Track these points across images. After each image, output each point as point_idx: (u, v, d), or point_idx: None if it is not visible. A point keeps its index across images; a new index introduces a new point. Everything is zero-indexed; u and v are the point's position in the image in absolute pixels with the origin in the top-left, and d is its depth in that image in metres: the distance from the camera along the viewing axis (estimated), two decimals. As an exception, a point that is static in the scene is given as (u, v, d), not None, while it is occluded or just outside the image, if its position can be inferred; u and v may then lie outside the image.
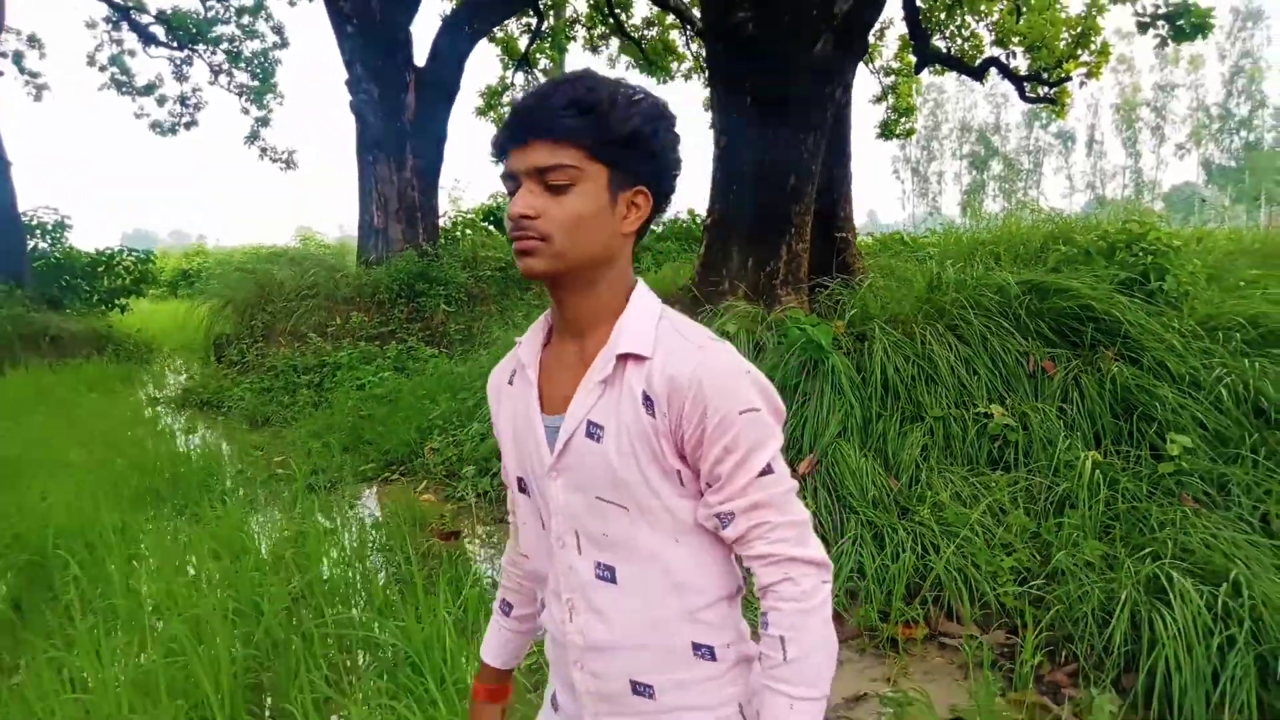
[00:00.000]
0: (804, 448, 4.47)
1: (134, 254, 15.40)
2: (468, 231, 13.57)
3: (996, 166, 71.77)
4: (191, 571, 3.79)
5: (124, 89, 20.22)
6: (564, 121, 1.12)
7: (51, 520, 4.20)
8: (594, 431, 1.17)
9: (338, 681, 2.89)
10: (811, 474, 4.30)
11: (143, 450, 6.24)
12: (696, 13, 13.14)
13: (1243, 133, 62.07)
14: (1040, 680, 3.03)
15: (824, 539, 3.90)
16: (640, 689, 1.20)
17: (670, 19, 17.12)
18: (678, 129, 1.21)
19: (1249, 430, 3.90)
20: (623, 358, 1.16)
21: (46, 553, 4.03)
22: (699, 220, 13.68)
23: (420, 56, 12.39)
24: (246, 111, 19.99)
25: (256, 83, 20.18)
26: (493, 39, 17.50)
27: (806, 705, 1.12)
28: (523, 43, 20.06)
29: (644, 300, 1.22)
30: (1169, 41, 10.83)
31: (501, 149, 1.18)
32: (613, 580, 1.21)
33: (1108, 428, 4.18)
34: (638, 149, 1.15)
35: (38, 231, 14.09)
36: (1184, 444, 3.81)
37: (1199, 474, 3.71)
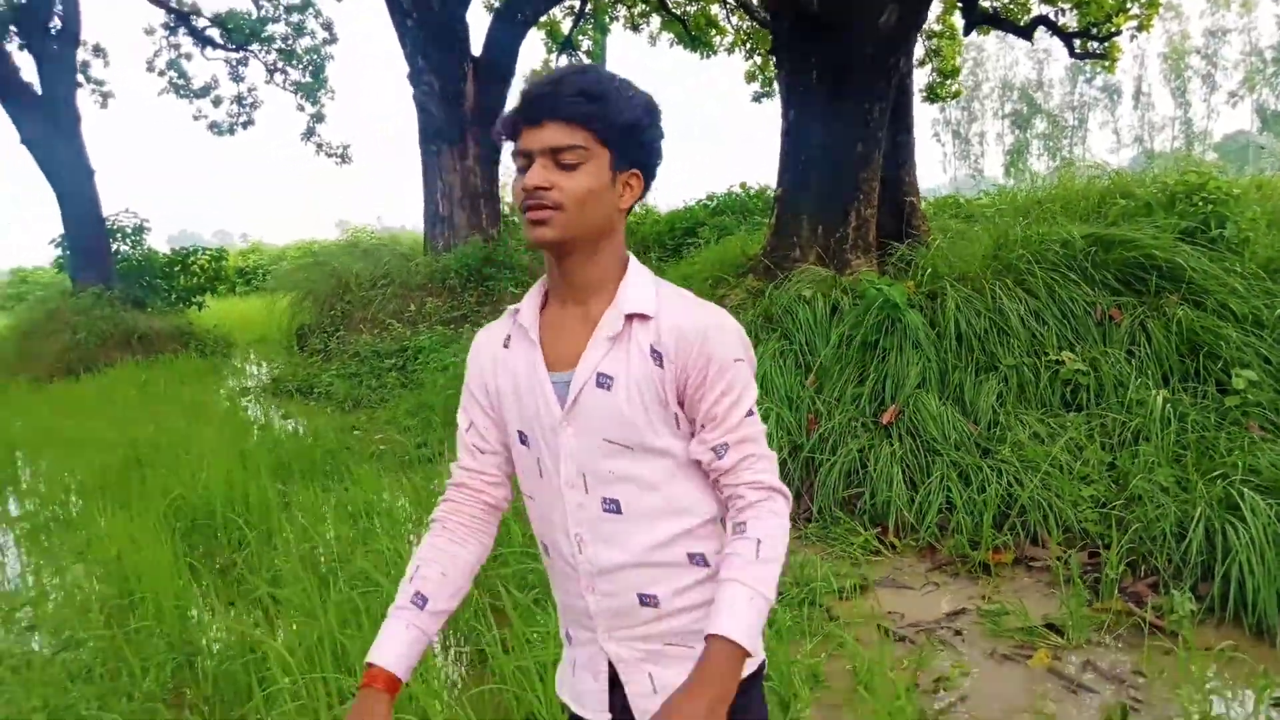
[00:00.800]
0: (886, 399, 4.81)
1: (208, 253, 16.10)
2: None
3: (1040, 124, 70.32)
4: (332, 532, 4.26)
5: (182, 92, 20.94)
6: (576, 106, 1.25)
7: (214, 490, 4.70)
8: (604, 382, 1.31)
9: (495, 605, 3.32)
10: (894, 422, 4.65)
11: (266, 431, 6.77)
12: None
13: (1299, 75, 60.09)
14: (1123, 591, 3.36)
15: (910, 481, 4.28)
16: (646, 600, 1.36)
17: (712, -7, 17.24)
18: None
19: (1312, 364, 4.16)
20: (630, 317, 1.31)
21: (214, 517, 4.54)
22: (749, 191, 13.95)
23: (475, 46, 12.80)
24: (302, 108, 20.60)
25: (309, 79, 20.74)
26: (538, 24, 17.82)
27: (761, 603, 1.26)
28: (565, 25, 20.41)
29: (640, 269, 1.37)
30: None
31: (514, 129, 1.30)
32: (618, 512, 1.35)
33: (1175, 368, 4.46)
34: (634, 137, 1.30)
35: (118, 235, 14.79)
36: (1249, 378, 4.09)
37: (1263, 405, 3.99)
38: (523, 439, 1.40)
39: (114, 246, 14.88)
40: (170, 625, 3.33)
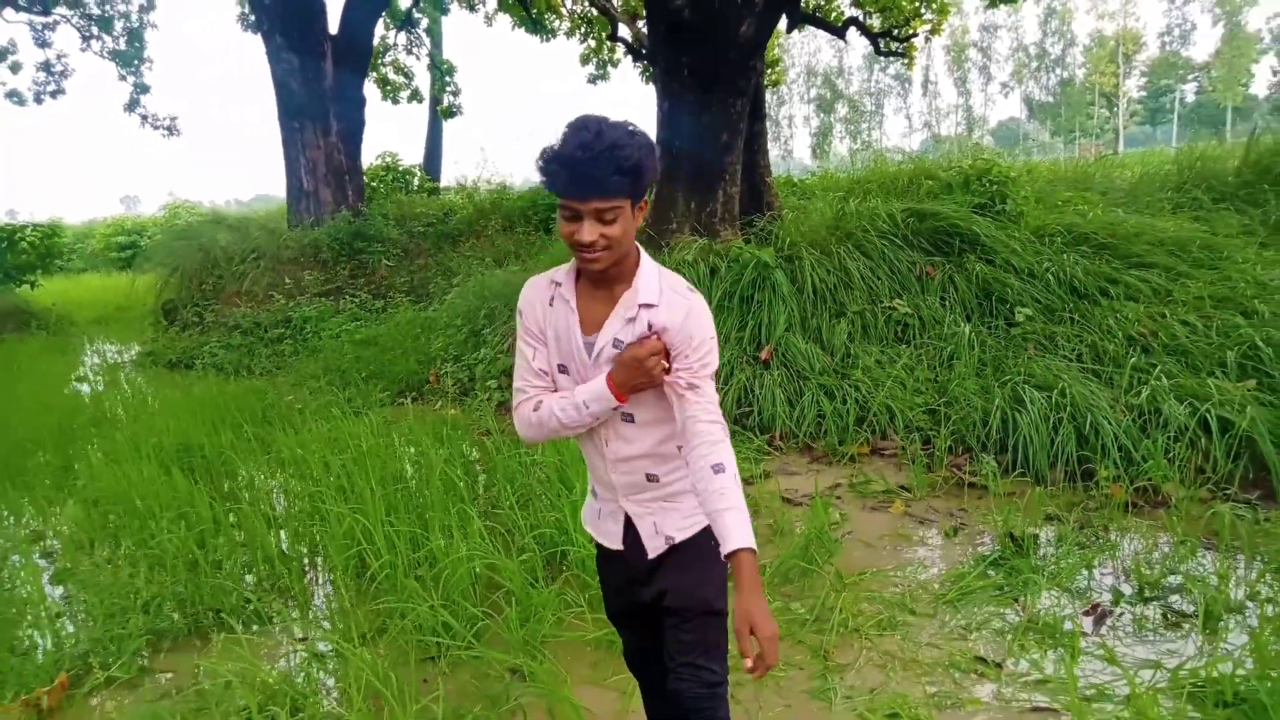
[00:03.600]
0: (761, 340, 5.99)
1: (38, 229, 15.34)
2: (407, 193, 14.32)
3: (842, 109, 75.28)
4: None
5: (-31, 59, 19.42)
6: (614, 184, 1.64)
7: (192, 437, 5.25)
8: (618, 345, 1.81)
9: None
10: (770, 359, 5.83)
11: (183, 392, 7.15)
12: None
13: (1058, 70, 67.61)
14: (949, 464, 4.66)
15: (788, 400, 5.46)
16: (651, 477, 1.91)
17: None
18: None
19: (1068, 302, 5.67)
20: (642, 306, 1.80)
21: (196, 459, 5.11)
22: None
23: (331, 26, 13.02)
24: (124, 78, 19.64)
25: (127, 48, 19.74)
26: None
27: (748, 515, 1.73)
28: (404, 2, 20.58)
29: (648, 263, 1.83)
30: (995, 4, 12.88)
31: (564, 193, 1.68)
32: (633, 420, 1.87)
33: (974, 309, 5.89)
34: (647, 180, 1.71)
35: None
36: (1026, 314, 5.55)
37: (1037, 332, 5.45)
38: (563, 369, 1.90)
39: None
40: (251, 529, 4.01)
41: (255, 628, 3.45)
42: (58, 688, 3.05)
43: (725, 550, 1.68)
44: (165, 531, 3.98)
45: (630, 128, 1.67)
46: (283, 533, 4.18)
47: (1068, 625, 3.04)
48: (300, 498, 4.47)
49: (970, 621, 3.16)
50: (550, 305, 1.88)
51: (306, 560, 4.03)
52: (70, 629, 3.53)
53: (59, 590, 3.91)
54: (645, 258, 1.84)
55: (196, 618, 3.52)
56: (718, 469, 1.73)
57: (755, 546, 1.69)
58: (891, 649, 3.01)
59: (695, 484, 1.76)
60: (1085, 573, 3.46)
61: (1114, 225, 6.38)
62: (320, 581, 3.80)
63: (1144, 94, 67.36)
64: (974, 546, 3.81)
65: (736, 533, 1.67)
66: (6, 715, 2.83)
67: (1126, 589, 3.32)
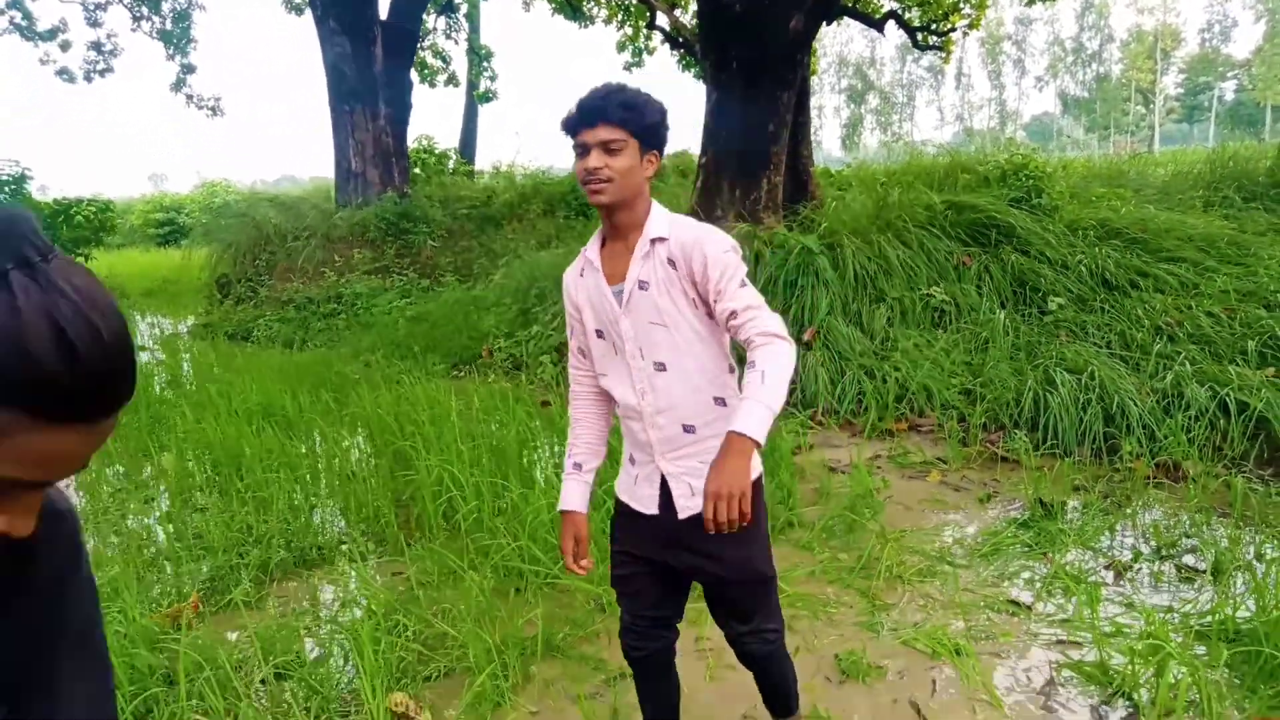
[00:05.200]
0: (804, 323, 6.33)
1: (92, 204, 15.89)
2: (443, 175, 14.75)
3: (873, 100, 74.99)
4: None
5: (26, 34, 19.96)
6: (619, 113, 1.82)
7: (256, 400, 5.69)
8: (643, 285, 1.89)
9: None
10: (812, 340, 6.17)
11: (254, 360, 7.60)
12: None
13: (1094, 65, 66.98)
14: (983, 439, 4.99)
15: (831, 380, 5.80)
16: (687, 429, 1.94)
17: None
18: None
19: (1099, 293, 5.97)
20: (653, 241, 1.89)
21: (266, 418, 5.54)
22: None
23: (380, 11, 13.42)
24: (171, 58, 20.16)
25: (174, 28, 20.22)
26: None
27: (765, 412, 1.69)
28: (447, -12, 20.93)
29: (658, 209, 1.95)
30: (1034, 1, 13.04)
31: (574, 129, 1.86)
32: (664, 370, 1.91)
33: (1009, 297, 6.20)
34: (654, 132, 1.88)
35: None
36: (1059, 303, 5.86)
37: (1069, 320, 5.75)
38: (599, 334, 2.01)
39: (-7, 196, 14.52)
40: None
41: (354, 563, 3.86)
42: (191, 606, 3.46)
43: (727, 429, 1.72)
44: (265, 478, 4.40)
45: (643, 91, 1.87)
46: (370, 481, 4.59)
47: (1091, 577, 3.38)
48: (382, 454, 4.87)
49: (1002, 572, 3.50)
50: (581, 276, 2.03)
51: (397, 508, 4.44)
52: (190, 563, 3.96)
53: (169, 528, 4.34)
54: (656, 205, 1.96)
55: (302, 552, 3.93)
56: (750, 365, 1.76)
57: (754, 437, 1.67)
58: (931, 593, 3.37)
59: None
60: (1108, 534, 3.79)
61: (1145, 221, 6.66)
62: (411, 525, 4.20)
63: (1182, 91, 66.64)
64: (1006, 511, 4.14)
65: (739, 418, 1.69)
66: (154, 621, 3.24)
67: (1145, 548, 3.65)
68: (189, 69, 20.32)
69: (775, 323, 1.80)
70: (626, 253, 1.94)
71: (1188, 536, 3.71)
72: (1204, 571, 3.40)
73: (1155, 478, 4.32)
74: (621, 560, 2.13)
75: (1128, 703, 2.64)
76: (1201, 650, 2.84)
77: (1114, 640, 2.91)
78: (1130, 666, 2.72)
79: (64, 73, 20.62)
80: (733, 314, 1.81)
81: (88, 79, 20.77)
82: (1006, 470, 4.65)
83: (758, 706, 2.52)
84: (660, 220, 1.93)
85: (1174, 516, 3.95)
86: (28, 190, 15.02)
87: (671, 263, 1.88)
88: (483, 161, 21.85)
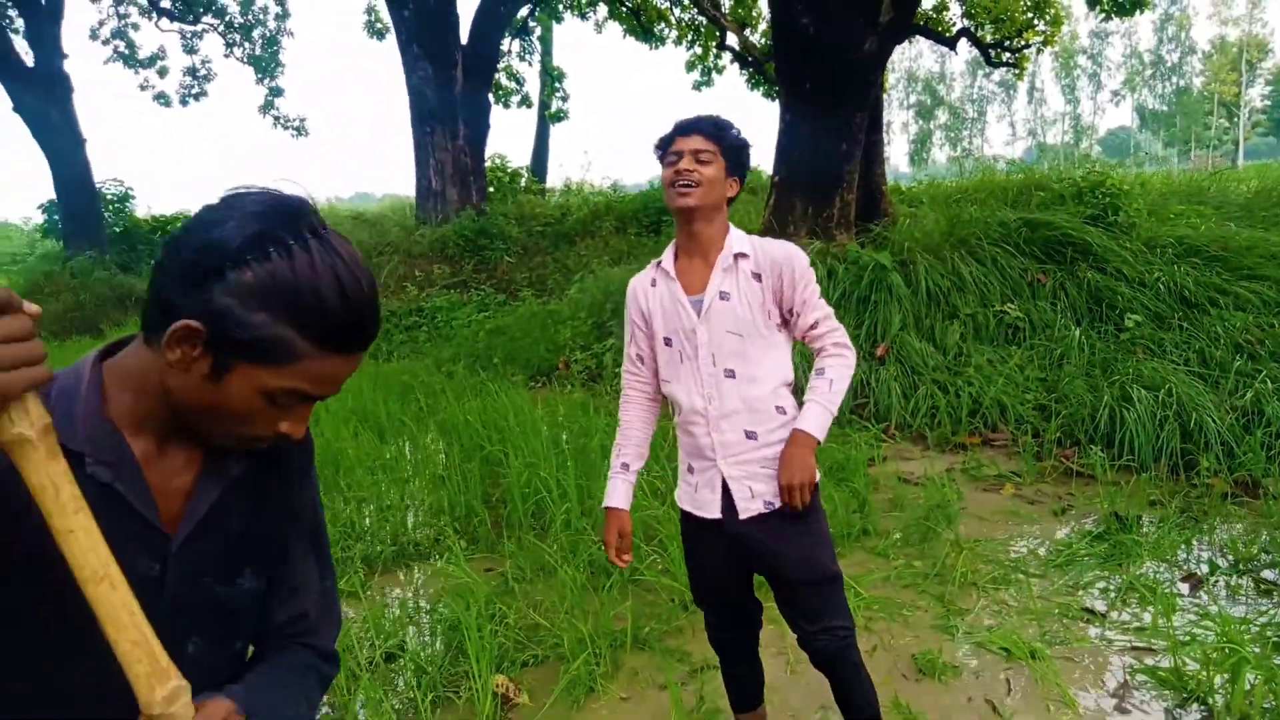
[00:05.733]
0: (877, 338, 6.43)
1: (189, 219, 16.73)
2: (516, 194, 15.21)
3: (942, 116, 73.99)
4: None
5: (129, 62, 21.07)
6: (711, 129, 2.06)
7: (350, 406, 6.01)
8: (724, 295, 2.05)
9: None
10: (885, 355, 6.27)
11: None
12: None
13: (1173, 78, 65.10)
14: (1058, 455, 5.04)
15: (904, 394, 5.89)
16: (750, 434, 2.07)
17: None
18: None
19: (1177, 311, 5.95)
20: (736, 256, 2.06)
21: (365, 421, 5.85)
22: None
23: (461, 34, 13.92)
24: (260, 81, 21.10)
25: (264, 53, 21.15)
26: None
27: (827, 416, 2.05)
28: (521, 11, 21.50)
29: (736, 229, 2.13)
30: (1111, 15, 12.91)
31: (669, 140, 2.08)
32: (733, 376, 2.06)
33: (1084, 314, 6.21)
34: (737, 156, 2.09)
35: (106, 202, 15.36)
36: (1136, 320, 5.86)
37: (1145, 337, 5.75)
38: (667, 342, 2.15)
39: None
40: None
41: (454, 557, 4.11)
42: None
43: (794, 426, 2.05)
44: (364, 479, 4.70)
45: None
46: (461, 483, 4.84)
47: (1166, 588, 3.44)
48: (471, 457, 5.13)
49: (1077, 582, 3.58)
50: (652, 286, 2.18)
51: (487, 508, 4.69)
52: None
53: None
54: (735, 229, 2.15)
55: (402, 547, 4.19)
56: (819, 372, 2.10)
57: (818, 436, 2.04)
58: (1006, 600, 3.47)
59: None
60: (1184, 548, 3.84)
61: (1226, 238, 6.59)
62: (502, 525, 4.44)
63: (1268, 104, 64.31)
64: (1080, 524, 4.20)
65: (806, 417, 2.05)
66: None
67: (1222, 562, 3.69)
68: (277, 92, 21.26)
69: (845, 334, 2.14)
70: (705, 266, 2.09)
71: (1266, 552, 3.73)
72: (1282, 586, 3.43)
73: (1233, 494, 4.33)
74: (696, 567, 2.30)
75: (1202, 707, 2.72)
76: (1279, 662, 2.89)
77: (1189, 648, 2.98)
78: (1205, 672, 2.80)
79: (161, 97, 21.72)
80: (814, 324, 2.10)
81: (183, 103, 21.83)
82: (1081, 485, 4.70)
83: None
84: (741, 238, 2.11)
85: (1252, 532, 3.97)
86: (130, 208, 15.93)
87: (757, 276, 2.05)
88: (553, 179, 22.28)
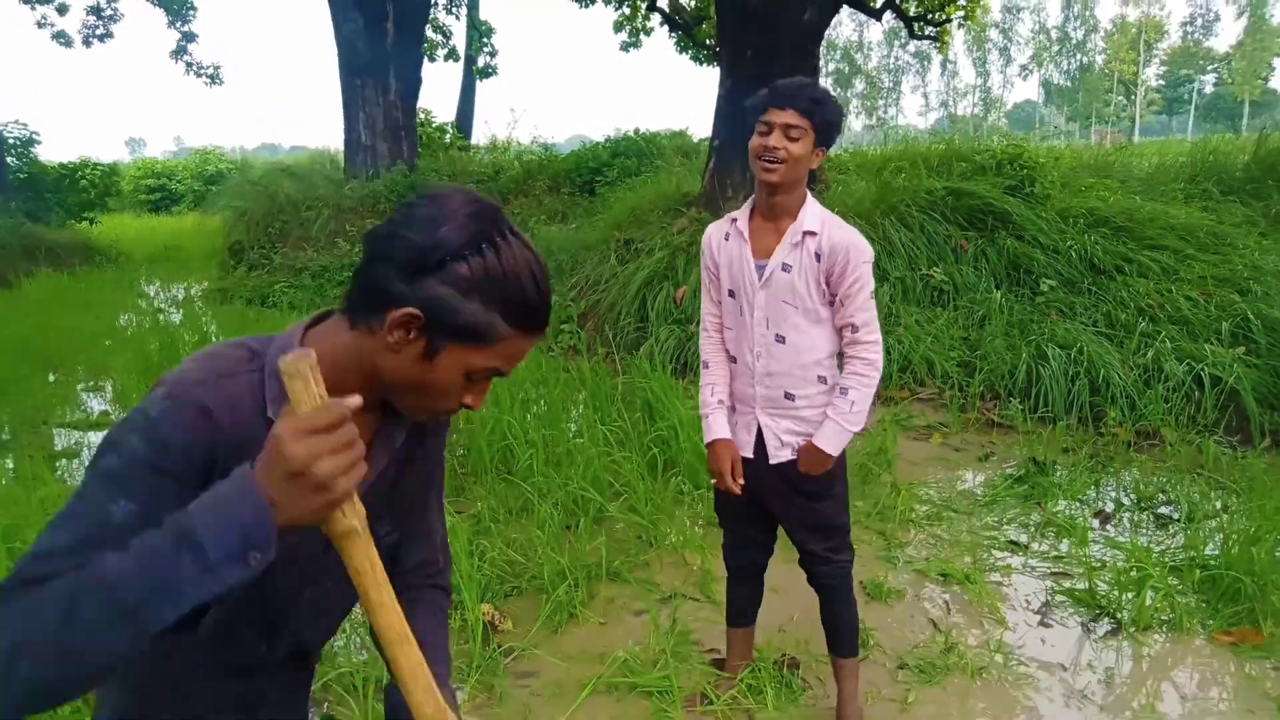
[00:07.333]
0: (813, 299, 6.76)
1: (98, 168, 16.04)
2: (445, 149, 15.03)
3: (859, 84, 75.24)
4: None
5: (24, -2, 19.86)
6: (807, 105, 2.07)
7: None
8: (786, 268, 2.16)
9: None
10: (820, 315, 6.60)
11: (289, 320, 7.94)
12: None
13: (1078, 55, 67.62)
14: (980, 408, 5.46)
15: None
16: (790, 396, 2.24)
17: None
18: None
19: (1087, 277, 6.44)
20: (805, 233, 2.15)
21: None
22: (644, 135, 15.38)
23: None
24: (172, 25, 20.17)
25: (173, -4, 20.17)
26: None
27: (846, 434, 2.20)
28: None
29: (813, 202, 2.18)
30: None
31: (763, 107, 2.10)
32: (783, 342, 2.20)
33: (1004, 279, 6.66)
34: (829, 131, 2.12)
35: (8, 147, 14.59)
36: (1050, 285, 6.34)
37: (1059, 301, 6.23)
38: (731, 294, 2.29)
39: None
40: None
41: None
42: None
43: (813, 441, 2.21)
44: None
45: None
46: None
47: (1079, 523, 3.86)
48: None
49: (1001, 518, 3.98)
50: (725, 240, 2.29)
51: (450, 456, 4.84)
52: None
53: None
54: (811, 198, 2.20)
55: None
56: (842, 391, 2.20)
57: (832, 454, 2.19)
58: (940, 534, 3.84)
59: None
60: (1094, 489, 4.28)
61: (1131, 210, 7.12)
62: (467, 473, 4.61)
63: (1162, 83, 67.50)
64: (1002, 469, 4.62)
65: (824, 435, 2.20)
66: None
67: (1126, 500, 4.14)
68: (190, 37, 20.33)
69: (879, 349, 2.21)
70: (775, 234, 2.20)
71: (1163, 492, 4.20)
72: (1177, 519, 3.89)
73: (1136, 443, 4.81)
74: (723, 491, 2.44)
75: (1112, 620, 3.12)
76: (1174, 581, 3.32)
77: (1100, 571, 3.39)
78: (1115, 591, 3.20)
79: (61, 36, 20.52)
80: (854, 328, 2.18)
81: (86, 44, 20.65)
82: (1001, 434, 5.13)
83: (794, 618, 2.98)
84: (814, 214, 2.18)
85: (1153, 475, 4.44)
86: (34, 153, 15.17)
87: (818, 256, 2.15)
88: (478, 136, 22.02)
